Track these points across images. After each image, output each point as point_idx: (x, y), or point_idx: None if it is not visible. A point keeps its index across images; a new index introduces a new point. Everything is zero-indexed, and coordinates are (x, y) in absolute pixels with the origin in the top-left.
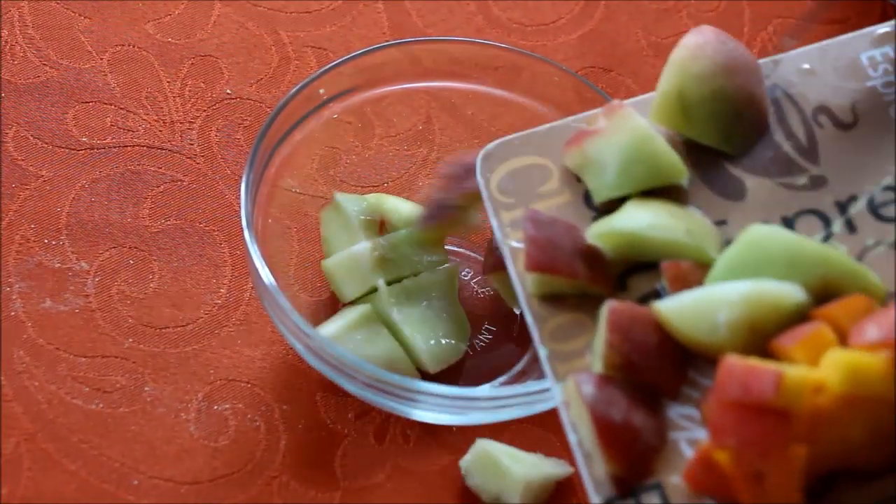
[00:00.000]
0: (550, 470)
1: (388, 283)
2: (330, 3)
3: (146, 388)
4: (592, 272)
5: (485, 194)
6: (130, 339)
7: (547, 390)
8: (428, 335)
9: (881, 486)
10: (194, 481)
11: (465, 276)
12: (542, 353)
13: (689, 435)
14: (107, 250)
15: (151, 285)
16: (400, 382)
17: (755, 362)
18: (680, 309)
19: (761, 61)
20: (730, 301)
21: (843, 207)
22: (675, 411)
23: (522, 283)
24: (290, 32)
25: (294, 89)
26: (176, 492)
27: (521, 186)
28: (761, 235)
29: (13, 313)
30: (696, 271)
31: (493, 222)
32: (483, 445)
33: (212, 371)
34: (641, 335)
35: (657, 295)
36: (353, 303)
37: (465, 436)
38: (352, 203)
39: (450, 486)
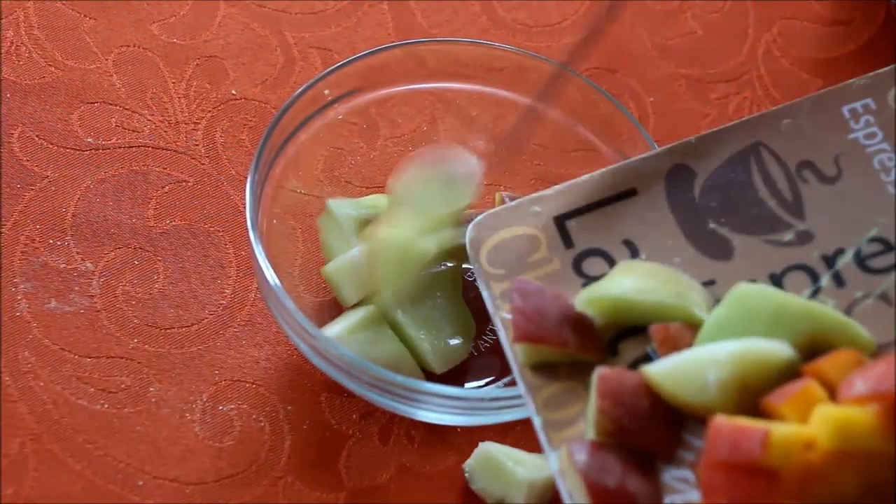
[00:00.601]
0: None
1: None
2: (335, 3)
3: (151, 389)
4: (582, 339)
5: (475, 267)
6: (135, 340)
7: None
8: (433, 336)
9: None
10: (199, 482)
11: (469, 276)
12: (537, 422)
13: (685, 498)
14: (112, 251)
15: (156, 286)
16: (404, 383)
17: (743, 421)
18: (669, 371)
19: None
20: (718, 361)
21: (830, 261)
22: (670, 474)
23: (514, 353)
24: (295, 33)
25: (299, 90)
26: (181, 492)
27: (511, 257)
28: (748, 294)
29: (18, 313)
30: (685, 333)
31: (485, 294)
32: (486, 448)
33: (217, 371)
34: (632, 400)
35: (648, 359)
36: (356, 306)
37: (470, 437)
38: (344, 208)
39: (454, 487)
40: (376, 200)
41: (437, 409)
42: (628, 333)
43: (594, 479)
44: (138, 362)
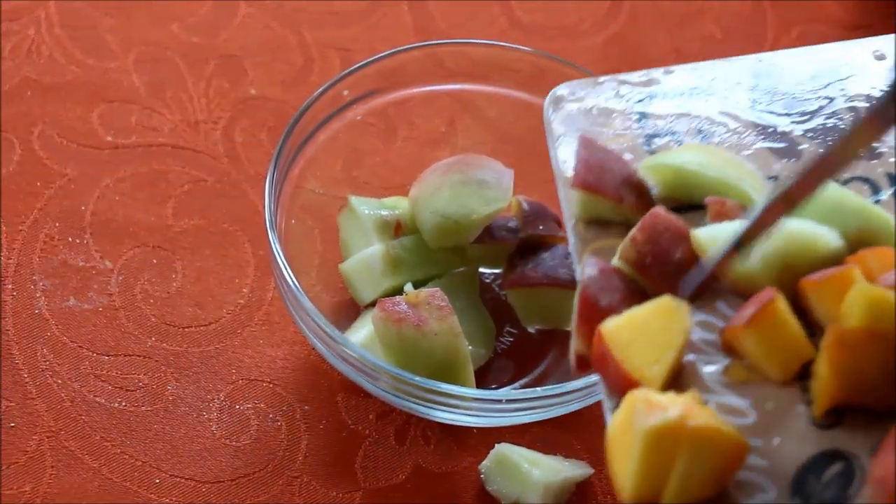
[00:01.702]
0: (570, 472)
1: (400, 287)
2: (354, 4)
3: (168, 387)
4: (638, 201)
5: (548, 128)
6: (153, 338)
7: (568, 393)
8: None
9: (886, 426)
10: (216, 480)
11: (486, 278)
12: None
13: (707, 359)
14: (130, 249)
15: (174, 284)
16: (421, 384)
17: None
18: (716, 236)
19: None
20: (767, 234)
21: (893, 179)
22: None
23: (570, 203)
24: (314, 33)
25: (318, 91)
26: (197, 491)
27: (584, 124)
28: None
29: (37, 311)
30: (738, 212)
31: (553, 153)
32: (502, 450)
33: (234, 371)
34: (667, 245)
35: None
36: (372, 305)
37: (486, 438)
38: (366, 206)
39: (470, 488)
40: (398, 202)
41: (454, 410)
42: (681, 210)
43: (590, 293)
44: (156, 360)
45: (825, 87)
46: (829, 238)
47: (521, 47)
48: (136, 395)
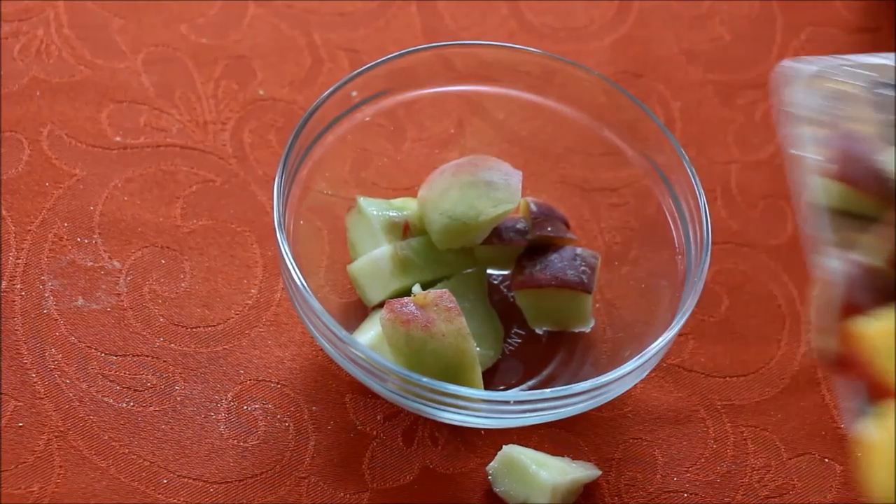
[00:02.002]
0: (578, 474)
1: (408, 288)
2: (364, 5)
3: (176, 388)
4: (891, 198)
5: (785, 104)
6: (161, 339)
7: (575, 395)
8: None
9: None
10: (224, 481)
11: (495, 280)
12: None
13: None
14: (139, 249)
15: (183, 285)
16: (429, 385)
17: None
18: None
19: None
20: None
21: None
22: None
23: (818, 193)
24: (323, 35)
25: (327, 91)
26: (205, 491)
27: (827, 105)
28: None
29: (46, 311)
30: None
31: (795, 132)
32: (509, 451)
33: (242, 371)
34: None
35: None
36: (380, 306)
37: (494, 439)
38: (374, 207)
39: (478, 489)
40: (407, 203)
41: (462, 411)
42: None
43: (850, 290)
44: (164, 361)
45: None
46: None
47: (531, 49)
48: (144, 395)
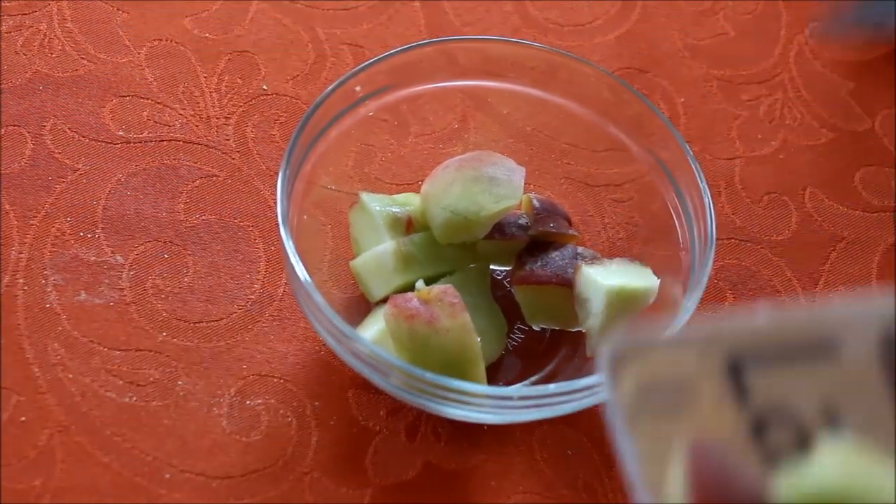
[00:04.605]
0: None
1: (411, 284)
2: (367, 0)
3: (179, 382)
4: None
5: (613, 405)
6: (164, 333)
7: (579, 390)
8: None
9: None
10: (226, 476)
11: (498, 275)
12: None
13: None
14: (142, 244)
15: (186, 280)
16: (432, 380)
17: None
18: None
19: None
20: None
21: None
22: None
23: None
24: (326, 29)
25: (330, 86)
26: (207, 486)
27: (663, 399)
28: None
29: (48, 305)
30: None
31: (622, 441)
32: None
33: (244, 366)
34: None
35: None
36: (384, 301)
37: (497, 434)
38: (377, 202)
39: (481, 485)
40: (410, 198)
41: (465, 406)
42: None
43: None
44: (167, 356)
45: None
46: None
47: (534, 44)
48: (147, 390)
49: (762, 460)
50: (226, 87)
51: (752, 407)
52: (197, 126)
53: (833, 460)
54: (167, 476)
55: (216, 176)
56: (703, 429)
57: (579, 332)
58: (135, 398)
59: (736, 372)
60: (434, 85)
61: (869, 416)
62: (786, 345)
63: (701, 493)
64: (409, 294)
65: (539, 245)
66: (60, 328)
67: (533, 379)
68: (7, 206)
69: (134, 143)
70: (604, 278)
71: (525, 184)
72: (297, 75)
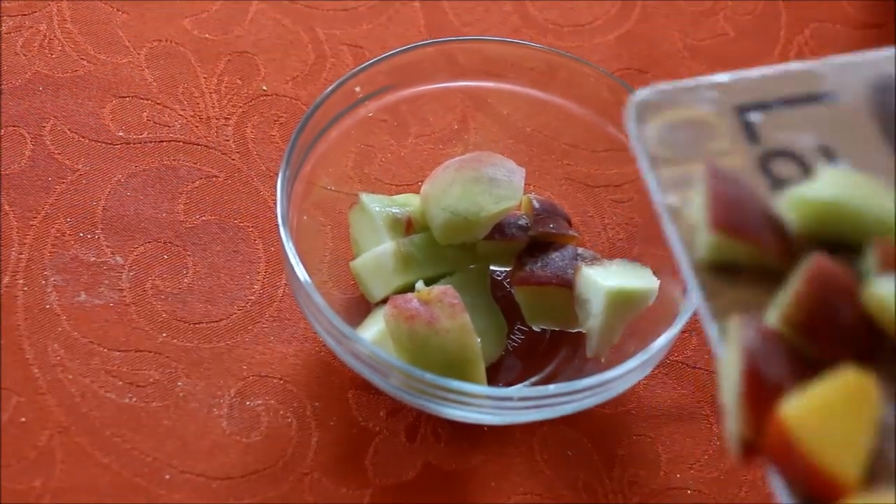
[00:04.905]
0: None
1: (411, 284)
2: (367, 1)
3: (179, 383)
4: (779, 245)
5: (638, 147)
6: (164, 334)
7: (579, 391)
8: None
9: None
10: (226, 476)
11: (498, 276)
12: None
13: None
14: (142, 245)
15: (185, 280)
16: (432, 381)
17: None
18: None
19: None
20: None
21: None
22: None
23: (693, 246)
24: (326, 30)
25: (330, 87)
26: (207, 487)
27: (684, 141)
28: None
29: (48, 306)
30: None
31: (650, 179)
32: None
33: (244, 367)
34: (835, 302)
35: None
36: (384, 302)
37: (497, 435)
38: (377, 203)
39: (481, 485)
40: (409, 199)
41: (465, 407)
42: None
43: (757, 366)
44: (167, 356)
45: None
46: None
47: (534, 44)
48: (147, 390)
49: (770, 185)
50: (225, 87)
51: (761, 146)
52: (197, 127)
53: (834, 178)
54: (167, 477)
55: (216, 177)
56: (719, 160)
57: (579, 332)
58: (135, 399)
59: (745, 115)
60: (434, 85)
61: (862, 155)
62: (788, 93)
63: (718, 205)
64: (409, 295)
65: (539, 246)
66: (60, 329)
67: (533, 380)
68: (7, 207)
69: (134, 143)
70: (604, 279)
71: (525, 184)
72: (297, 76)
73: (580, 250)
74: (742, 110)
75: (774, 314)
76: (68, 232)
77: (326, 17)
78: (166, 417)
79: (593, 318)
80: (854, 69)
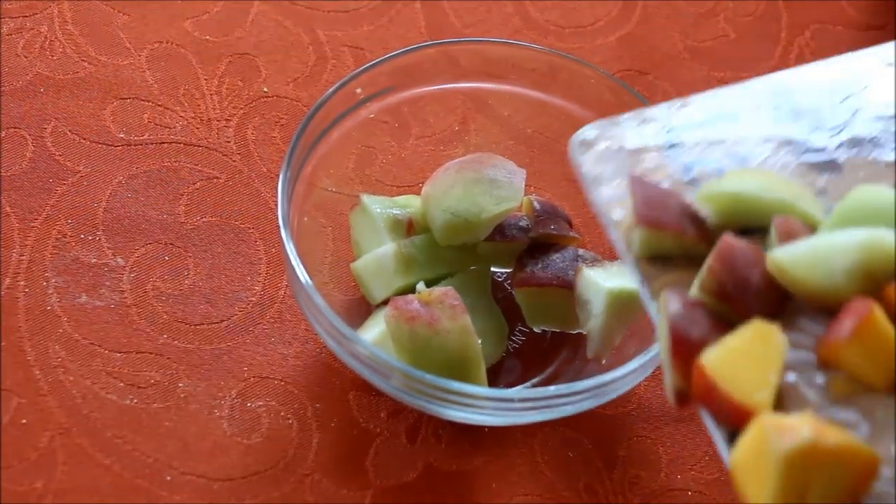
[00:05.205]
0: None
1: (412, 286)
2: (368, 2)
3: (180, 385)
4: (699, 231)
5: (580, 172)
6: (165, 336)
7: (579, 392)
8: None
9: None
10: (227, 478)
11: (498, 277)
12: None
13: (806, 377)
14: (143, 246)
15: (186, 282)
16: (433, 382)
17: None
18: (796, 256)
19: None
20: (846, 248)
21: None
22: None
23: (630, 243)
24: (327, 31)
25: (331, 89)
26: (208, 488)
27: (616, 163)
28: (871, 193)
29: (49, 308)
30: (805, 230)
31: (592, 196)
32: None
33: (245, 368)
34: (745, 271)
35: None
36: (384, 303)
37: (498, 436)
38: (378, 205)
39: (482, 487)
40: (410, 200)
41: (466, 408)
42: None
43: (680, 328)
44: (168, 358)
45: (846, 99)
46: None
47: (535, 46)
48: (148, 392)
49: (689, 184)
50: (226, 89)
51: (682, 157)
52: (198, 128)
53: (738, 175)
54: (168, 478)
55: (217, 178)
56: (648, 174)
57: (580, 334)
58: (136, 400)
59: (668, 134)
60: (435, 87)
61: (773, 156)
62: (699, 119)
63: (642, 205)
64: (410, 296)
65: (540, 247)
66: (61, 330)
67: (534, 381)
68: (8, 209)
69: (135, 145)
70: (604, 280)
71: (526, 186)
72: (298, 77)
73: (581, 251)
74: (668, 133)
75: (696, 287)
76: (69, 233)
77: (327, 19)
78: (167, 419)
79: (594, 320)
80: (749, 88)
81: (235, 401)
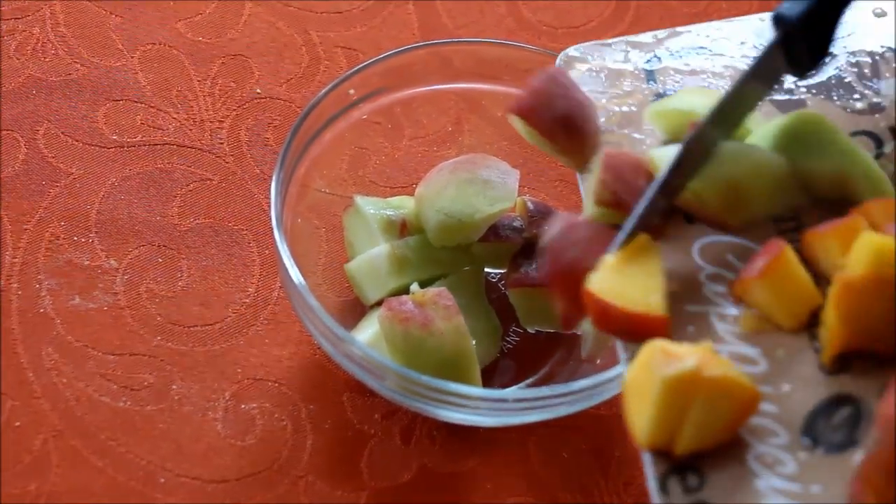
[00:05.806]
0: None
1: (406, 287)
2: (360, 3)
3: (174, 387)
4: (569, 143)
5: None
6: (158, 338)
7: (574, 392)
8: None
9: (892, 370)
10: (221, 480)
11: (492, 278)
12: None
13: (719, 310)
14: (136, 248)
15: (180, 283)
16: (427, 383)
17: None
18: (666, 154)
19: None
20: (713, 153)
21: (895, 132)
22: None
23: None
24: (320, 33)
25: (324, 90)
26: (202, 490)
27: (594, 84)
28: (805, 114)
29: (42, 310)
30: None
31: None
32: None
33: (239, 370)
34: (631, 176)
35: None
36: (378, 304)
37: (492, 437)
38: (371, 206)
39: (477, 487)
40: (404, 201)
41: (460, 409)
42: None
43: (554, 252)
44: (161, 360)
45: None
46: (776, 162)
47: (528, 46)
48: (142, 394)
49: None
50: (219, 90)
51: (657, 84)
52: (191, 130)
53: (685, 94)
54: (162, 480)
55: (210, 180)
56: (622, 100)
57: (574, 334)
58: (129, 402)
59: (647, 63)
60: (428, 87)
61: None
62: (681, 47)
63: (532, 94)
64: (404, 297)
65: (534, 247)
66: (55, 333)
67: (528, 381)
68: (1, 211)
69: (127, 147)
70: None
71: (519, 186)
72: (291, 78)
73: None
74: (646, 62)
75: (589, 204)
76: (62, 236)
77: (320, 20)
78: (161, 421)
79: (588, 320)
80: (738, 24)
81: (229, 402)
